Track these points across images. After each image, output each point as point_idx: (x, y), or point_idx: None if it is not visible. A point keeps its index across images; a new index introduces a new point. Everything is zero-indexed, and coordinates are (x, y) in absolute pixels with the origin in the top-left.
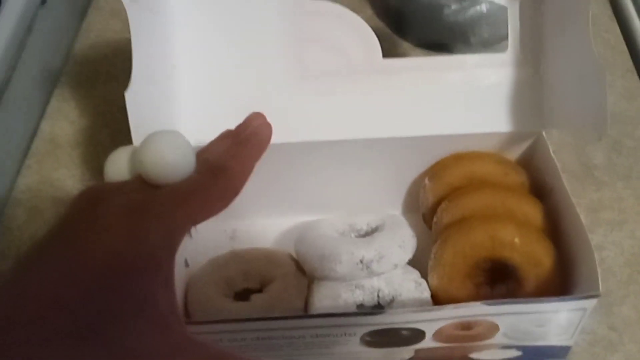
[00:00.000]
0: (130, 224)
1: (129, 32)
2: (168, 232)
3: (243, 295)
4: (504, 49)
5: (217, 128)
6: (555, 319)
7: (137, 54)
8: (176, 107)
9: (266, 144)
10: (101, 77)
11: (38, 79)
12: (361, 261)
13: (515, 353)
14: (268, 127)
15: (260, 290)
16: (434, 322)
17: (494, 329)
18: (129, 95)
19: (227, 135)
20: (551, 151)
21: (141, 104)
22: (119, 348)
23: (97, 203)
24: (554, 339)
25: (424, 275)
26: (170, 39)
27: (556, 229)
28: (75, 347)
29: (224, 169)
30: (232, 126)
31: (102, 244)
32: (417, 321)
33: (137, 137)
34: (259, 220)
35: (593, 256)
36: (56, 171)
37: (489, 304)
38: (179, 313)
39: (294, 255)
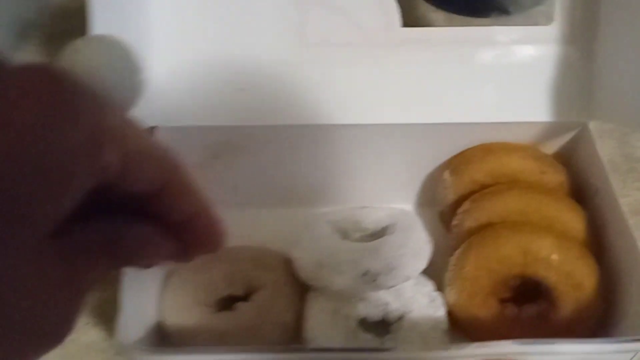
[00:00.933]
0: (45, 112)
1: None
2: (93, 144)
3: (226, 302)
4: (548, 20)
5: (197, 103)
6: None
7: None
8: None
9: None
10: (78, 31)
11: (11, 33)
12: (366, 273)
13: None
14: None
15: (245, 298)
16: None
17: None
18: None
19: None
20: (597, 147)
21: None
22: None
23: None
24: None
25: (439, 285)
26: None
27: (600, 240)
28: None
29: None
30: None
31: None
32: (430, 358)
33: None
34: (250, 210)
35: None
36: None
37: (522, 343)
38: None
39: (286, 258)
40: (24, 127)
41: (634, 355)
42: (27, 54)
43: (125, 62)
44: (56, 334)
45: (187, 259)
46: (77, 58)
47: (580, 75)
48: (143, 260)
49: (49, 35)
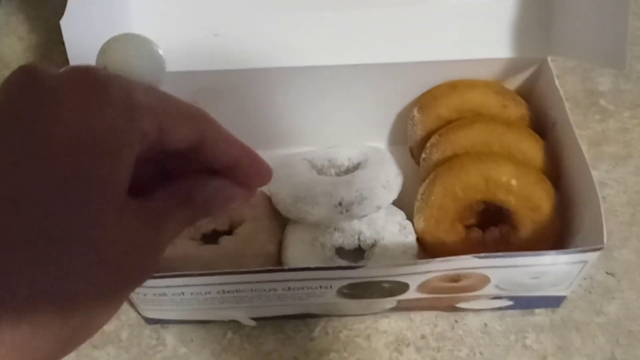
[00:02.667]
0: (84, 98)
1: None
2: (128, 115)
3: (211, 237)
4: None
5: (174, 50)
6: (552, 272)
7: None
8: (126, 26)
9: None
10: None
11: None
12: (340, 203)
13: (506, 303)
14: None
15: (229, 232)
16: (420, 274)
17: (485, 281)
18: (66, 22)
19: None
20: (556, 81)
21: (79, 30)
22: (86, 237)
23: (39, 77)
24: (549, 290)
25: (410, 216)
26: None
27: (558, 168)
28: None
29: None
30: (191, 49)
31: (57, 122)
32: (401, 274)
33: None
34: None
35: (598, 202)
36: None
37: (481, 257)
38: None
39: (268, 193)
40: (75, 117)
41: (584, 266)
42: (1, 14)
43: (153, 59)
44: (143, 271)
45: (248, 198)
46: (110, 56)
47: (539, 12)
48: (217, 207)
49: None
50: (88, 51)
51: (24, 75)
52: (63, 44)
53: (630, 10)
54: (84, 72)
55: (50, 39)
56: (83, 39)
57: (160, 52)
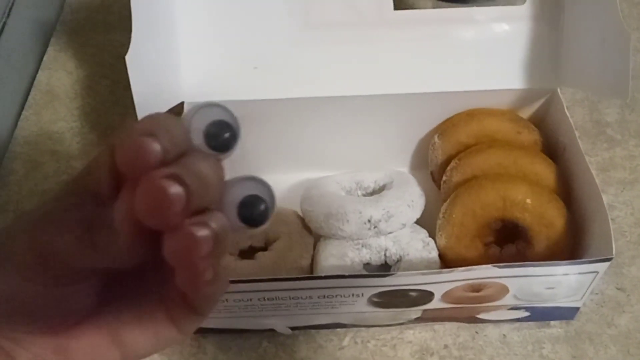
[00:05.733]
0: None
1: None
2: None
3: (248, 253)
4: (521, 1)
5: (218, 81)
6: (566, 282)
7: (136, 11)
8: (178, 61)
9: None
10: (98, 26)
11: (33, 27)
12: (369, 220)
13: (524, 314)
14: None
15: (265, 249)
16: (444, 284)
17: (504, 291)
18: (130, 58)
19: None
20: (566, 109)
21: (142, 64)
22: None
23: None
24: (563, 301)
25: (432, 234)
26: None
27: (569, 189)
28: None
29: None
30: (233, 80)
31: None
32: (426, 283)
33: (140, 103)
34: (263, 177)
35: (607, 218)
36: (54, 123)
37: (500, 267)
38: None
39: (300, 213)
40: None
41: (595, 277)
42: (52, 50)
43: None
44: None
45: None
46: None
47: (549, 48)
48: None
49: (70, 31)
50: (150, 83)
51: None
52: (107, 77)
53: (630, 46)
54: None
55: (96, 73)
56: (145, 72)
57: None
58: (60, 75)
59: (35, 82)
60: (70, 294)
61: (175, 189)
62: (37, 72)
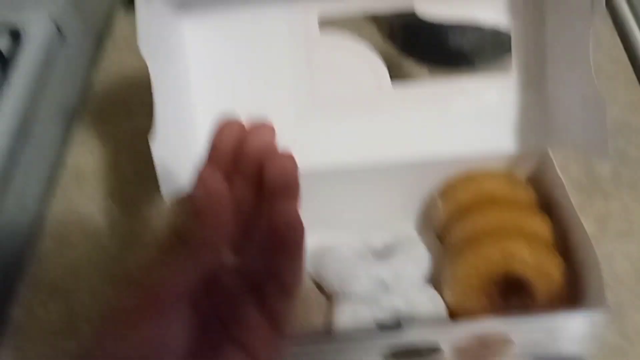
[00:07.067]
0: None
1: (146, 65)
2: None
3: None
4: (508, 70)
5: None
6: (567, 330)
7: (158, 99)
8: (196, 137)
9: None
10: (121, 110)
11: (59, 112)
12: (379, 281)
13: None
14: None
15: None
16: (451, 337)
17: (508, 341)
18: (155, 142)
19: None
20: (557, 169)
21: (165, 147)
22: None
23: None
24: (566, 349)
25: (440, 291)
26: (188, 80)
27: (565, 242)
28: None
29: None
30: None
31: None
32: (435, 337)
33: (164, 180)
34: None
35: (600, 268)
36: (82, 202)
37: (502, 319)
38: None
39: (313, 275)
40: None
41: (595, 325)
42: (78, 134)
43: None
44: None
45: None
46: None
47: (537, 112)
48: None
49: (95, 115)
50: (172, 160)
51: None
52: (129, 155)
53: (606, 110)
54: None
55: (120, 152)
56: (167, 151)
57: None
58: (86, 156)
59: (63, 164)
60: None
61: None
62: (64, 154)
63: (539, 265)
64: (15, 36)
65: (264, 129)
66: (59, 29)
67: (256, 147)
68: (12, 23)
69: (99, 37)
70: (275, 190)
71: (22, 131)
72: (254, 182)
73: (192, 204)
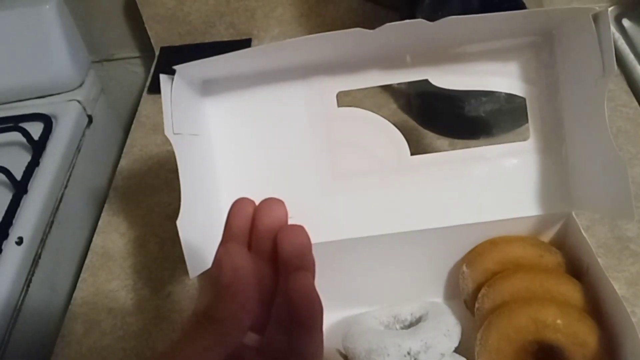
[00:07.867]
0: None
1: (171, 146)
2: None
3: None
4: (525, 136)
5: None
6: None
7: (184, 180)
8: (221, 216)
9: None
10: (146, 190)
11: (88, 195)
12: (408, 353)
13: None
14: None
15: None
16: None
17: None
18: (181, 223)
19: None
20: (582, 230)
21: (191, 227)
22: None
23: None
24: None
25: None
26: (212, 159)
27: (597, 306)
28: None
29: None
30: None
31: None
32: None
33: (190, 258)
34: None
35: (636, 333)
36: (110, 283)
37: None
38: None
39: (342, 350)
40: None
41: None
42: (106, 215)
43: None
44: None
45: None
46: None
47: (557, 176)
48: None
49: (122, 196)
50: (200, 247)
51: None
52: (156, 235)
53: (627, 172)
54: None
55: (146, 233)
56: (193, 231)
57: None
58: (114, 237)
59: (91, 246)
60: None
61: None
62: (92, 236)
63: (573, 332)
64: (47, 121)
65: (274, 205)
66: (87, 115)
67: (268, 223)
68: (44, 109)
69: (126, 119)
70: (289, 263)
71: (52, 213)
72: (269, 258)
73: (218, 280)
